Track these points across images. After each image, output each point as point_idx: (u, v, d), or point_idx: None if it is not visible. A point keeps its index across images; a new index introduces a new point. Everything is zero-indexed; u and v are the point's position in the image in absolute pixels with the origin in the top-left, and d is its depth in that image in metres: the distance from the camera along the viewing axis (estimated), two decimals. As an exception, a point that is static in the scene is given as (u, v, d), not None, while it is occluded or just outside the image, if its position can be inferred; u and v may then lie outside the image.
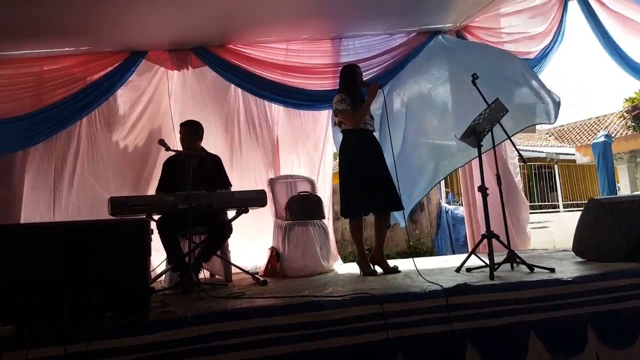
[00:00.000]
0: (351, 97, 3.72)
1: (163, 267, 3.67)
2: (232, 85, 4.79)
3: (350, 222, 3.80)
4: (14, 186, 4.28)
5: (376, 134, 3.94)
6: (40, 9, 3.62)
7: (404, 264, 3.85)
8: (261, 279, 3.61)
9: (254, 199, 3.61)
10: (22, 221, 4.15)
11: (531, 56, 5.06)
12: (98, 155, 4.54)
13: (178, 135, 3.91)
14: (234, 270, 3.90)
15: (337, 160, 4.03)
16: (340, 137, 3.94)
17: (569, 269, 3.16)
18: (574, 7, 4.92)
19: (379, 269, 3.73)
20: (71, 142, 4.47)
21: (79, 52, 4.49)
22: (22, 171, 4.33)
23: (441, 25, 4.98)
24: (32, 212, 4.30)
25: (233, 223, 3.66)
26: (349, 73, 3.84)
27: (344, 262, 5.30)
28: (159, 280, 3.64)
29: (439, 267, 3.73)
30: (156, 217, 3.46)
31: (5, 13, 3.62)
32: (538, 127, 15.10)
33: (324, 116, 4.91)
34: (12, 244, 2.24)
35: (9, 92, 4.36)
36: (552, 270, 3.02)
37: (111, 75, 4.49)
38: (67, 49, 4.43)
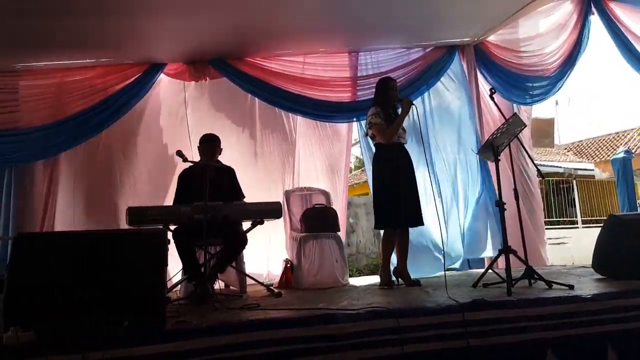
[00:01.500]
0: (385, 111, 3.76)
1: (179, 277, 3.69)
2: (249, 96, 4.83)
3: (384, 234, 3.81)
4: (36, 195, 4.37)
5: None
6: (63, 21, 3.71)
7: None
8: (276, 290, 3.61)
9: (269, 211, 3.64)
10: (43, 230, 4.22)
11: (550, 72, 5.02)
12: (117, 166, 4.60)
13: (195, 147, 3.96)
14: (248, 281, 3.91)
15: (369, 172, 4.08)
16: (371, 148, 3.99)
17: (588, 286, 3.10)
18: (594, 20, 4.88)
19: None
20: (92, 152, 4.54)
21: (99, 64, 4.58)
22: (46, 181, 4.41)
23: (459, 40, 4.98)
24: (53, 222, 4.37)
25: (248, 234, 3.68)
26: (383, 86, 3.88)
27: (359, 275, 5.27)
28: (174, 290, 3.67)
29: (455, 282, 3.69)
30: (172, 227, 3.49)
31: (29, 25, 3.71)
32: (556, 141, 14.91)
33: (343, 128, 4.94)
34: (32, 251, 2.29)
35: (31, 102, 4.45)
36: (571, 287, 2.96)
37: (131, 87, 4.56)
38: (88, 60, 4.53)
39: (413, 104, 3.77)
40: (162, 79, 4.74)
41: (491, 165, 3.99)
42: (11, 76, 4.44)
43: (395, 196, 3.65)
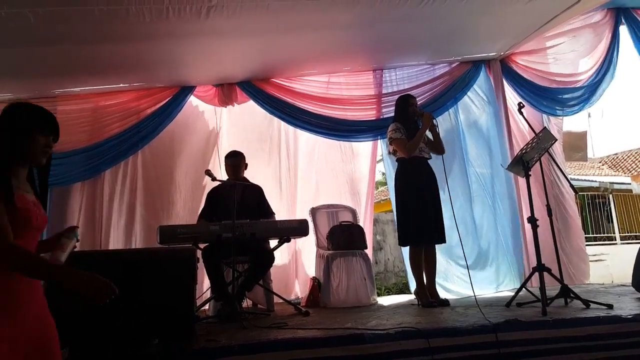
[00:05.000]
0: (405, 126, 3.76)
1: (207, 295, 3.72)
2: (275, 119, 4.91)
3: (410, 251, 3.77)
4: (72, 215, 4.51)
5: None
6: (97, 48, 3.87)
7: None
8: (303, 309, 3.60)
9: (296, 229, 3.64)
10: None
11: (579, 84, 4.93)
12: (148, 186, 4.70)
13: (223, 167, 4.03)
14: (275, 299, 3.91)
15: (391, 188, 4.06)
16: (395, 165, 3.97)
17: (628, 305, 2.98)
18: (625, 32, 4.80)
19: None
20: (124, 174, 4.67)
21: (132, 88, 4.76)
22: (82, 201, 4.55)
23: (485, 55, 4.95)
24: (85, 241, 4.50)
25: (275, 252, 3.70)
26: (403, 103, 3.92)
27: (387, 294, 5.19)
28: (202, 308, 3.70)
29: (487, 301, 3.60)
30: (202, 245, 3.54)
31: (66, 53, 3.89)
32: (590, 155, 14.49)
33: (367, 146, 4.93)
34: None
35: (69, 126, 4.63)
36: (610, 306, 2.85)
37: (163, 110, 4.71)
38: (121, 85, 4.71)
39: (434, 118, 3.75)
40: (196, 105, 4.88)
41: (522, 181, 3.91)
42: (50, 101, 4.64)
43: (419, 212, 3.62)
